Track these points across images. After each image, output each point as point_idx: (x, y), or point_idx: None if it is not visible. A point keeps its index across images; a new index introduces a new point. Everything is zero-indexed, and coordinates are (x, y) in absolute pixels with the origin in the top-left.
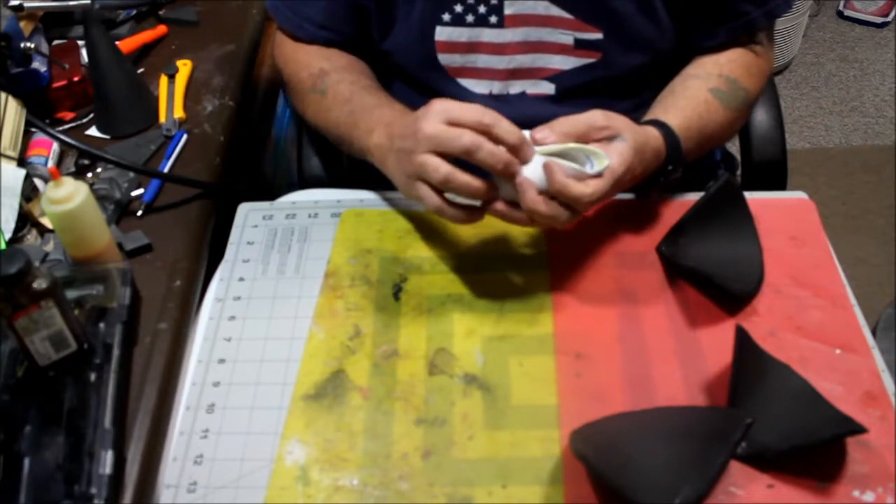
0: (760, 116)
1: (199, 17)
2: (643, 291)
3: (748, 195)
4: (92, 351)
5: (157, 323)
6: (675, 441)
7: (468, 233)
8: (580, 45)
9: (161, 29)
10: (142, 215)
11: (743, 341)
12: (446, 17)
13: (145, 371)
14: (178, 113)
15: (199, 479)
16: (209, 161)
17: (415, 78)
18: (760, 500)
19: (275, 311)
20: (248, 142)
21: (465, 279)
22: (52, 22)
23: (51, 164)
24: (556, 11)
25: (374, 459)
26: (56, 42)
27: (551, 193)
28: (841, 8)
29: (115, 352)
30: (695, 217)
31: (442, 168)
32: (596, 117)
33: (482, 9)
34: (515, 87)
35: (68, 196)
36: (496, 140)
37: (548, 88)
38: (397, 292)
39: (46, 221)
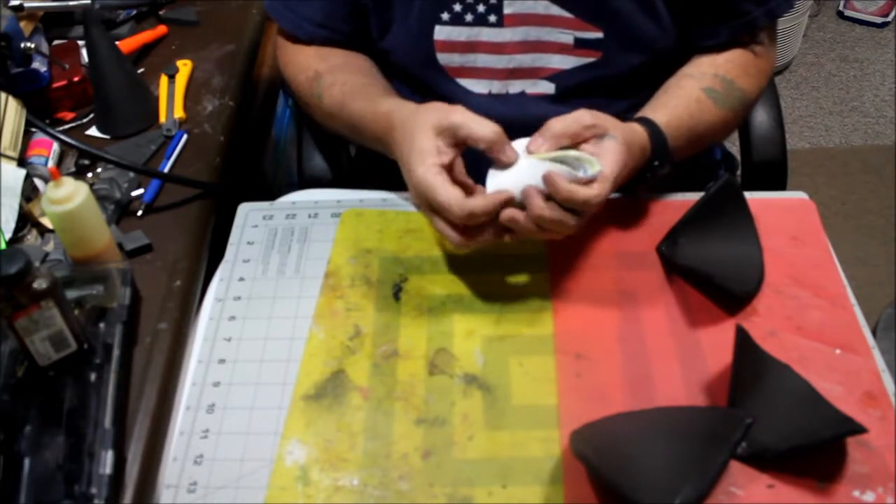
0: (760, 116)
1: (199, 17)
2: (643, 291)
3: (748, 195)
4: (92, 351)
5: (157, 323)
6: (675, 441)
7: None
8: (580, 45)
9: (161, 29)
10: (142, 215)
11: (743, 341)
12: (445, 16)
13: (145, 371)
14: (178, 113)
15: (199, 479)
16: (209, 161)
17: (414, 77)
18: (760, 500)
19: (275, 311)
20: (248, 142)
21: (465, 279)
22: (52, 22)
23: (51, 164)
24: (555, 10)
25: (374, 459)
26: (56, 42)
27: (558, 201)
28: (841, 8)
29: (115, 352)
30: (695, 217)
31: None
32: (583, 116)
33: (481, 8)
34: (515, 87)
35: (68, 196)
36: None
37: (547, 88)
38: (397, 292)
39: (46, 221)
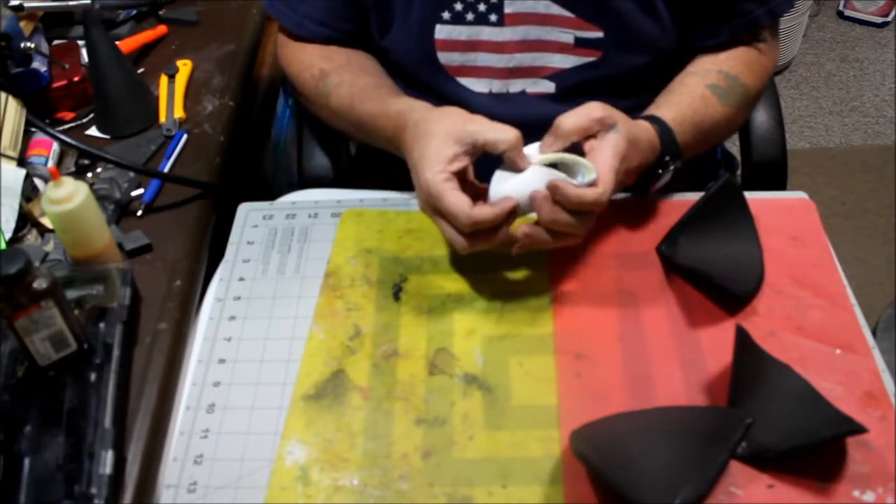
0: (760, 116)
1: (199, 17)
2: (643, 291)
3: (748, 195)
4: (92, 351)
5: (157, 323)
6: (675, 441)
7: None
8: (580, 44)
9: (161, 29)
10: (142, 215)
11: (743, 341)
12: (446, 15)
13: (145, 371)
14: (178, 113)
15: (199, 479)
16: (209, 161)
17: (414, 76)
18: (760, 500)
19: (275, 311)
20: (248, 142)
21: (465, 279)
22: (52, 22)
23: (51, 164)
24: (556, 10)
25: (374, 459)
26: (56, 42)
27: (567, 207)
28: (841, 8)
29: (115, 352)
30: (695, 217)
31: (462, 241)
32: (594, 109)
33: (482, 7)
34: (515, 86)
35: (68, 196)
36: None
37: (548, 87)
38: (397, 292)
39: (46, 221)
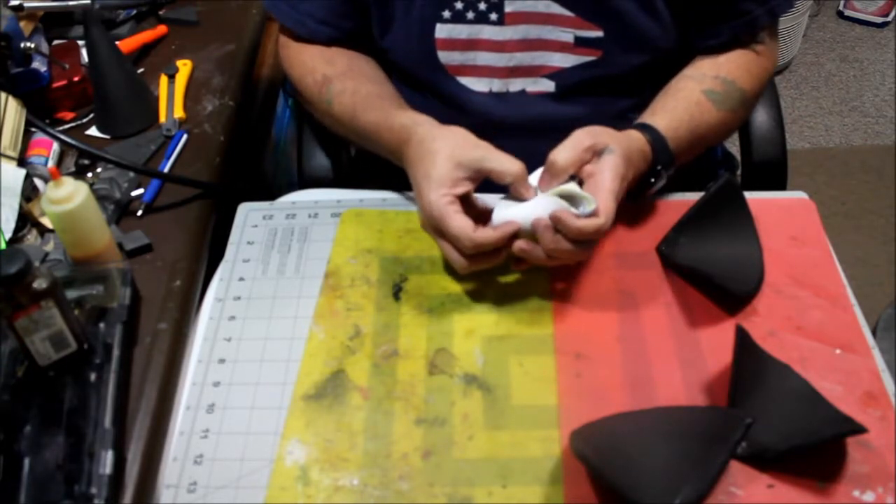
0: (760, 116)
1: (199, 17)
2: (643, 291)
3: (748, 195)
4: (92, 351)
5: (157, 323)
6: (675, 441)
7: None
8: (580, 43)
9: (161, 29)
10: (142, 215)
11: (743, 341)
12: (446, 14)
13: (145, 371)
14: (178, 113)
15: (199, 479)
16: (209, 161)
17: (414, 76)
18: (760, 500)
19: (275, 311)
20: (248, 142)
21: (465, 279)
22: (52, 22)
23: (51, 164)
24: (556, 9)
25: (374, 459)
26: (56, 42)
27: (569, 237)
28: (841, 8)
29: (115, 352)
30: (695, 217)
31: (462, 262)
32: (581, 140)
33: (482, 6)
34: (515, 85)
35: (68, 196)
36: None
37: (548, 86)
38: (397, 292)
39: (46, 221)
